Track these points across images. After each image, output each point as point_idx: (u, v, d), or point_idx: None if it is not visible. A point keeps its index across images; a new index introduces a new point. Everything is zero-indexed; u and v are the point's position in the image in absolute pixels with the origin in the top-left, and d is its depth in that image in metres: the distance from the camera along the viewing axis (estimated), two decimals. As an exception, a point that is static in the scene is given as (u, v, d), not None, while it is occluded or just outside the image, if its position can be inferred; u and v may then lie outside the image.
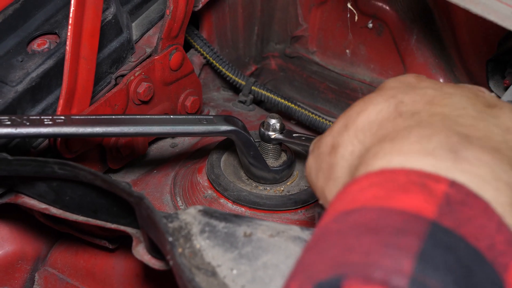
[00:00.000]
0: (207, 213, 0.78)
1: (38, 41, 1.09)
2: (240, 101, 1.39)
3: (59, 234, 1.14)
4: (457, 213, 0.56)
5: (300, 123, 1.37)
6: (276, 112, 1.37)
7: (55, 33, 1.10)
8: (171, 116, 1.03)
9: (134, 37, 1.18)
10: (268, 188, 1.12)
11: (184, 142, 1.29)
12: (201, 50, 1.35)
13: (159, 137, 1.25)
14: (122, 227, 0.89)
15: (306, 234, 0.76)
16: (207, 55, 1.35)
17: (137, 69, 1.14)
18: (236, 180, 1.12)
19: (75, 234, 1.06)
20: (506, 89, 1.08)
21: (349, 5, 1.36)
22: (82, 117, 0.94)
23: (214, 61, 1.36)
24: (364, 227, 0.56)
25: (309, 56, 1.49)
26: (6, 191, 0.99)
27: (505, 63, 1.08)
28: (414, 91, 0.70)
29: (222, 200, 1.10)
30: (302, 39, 1.49)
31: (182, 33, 1.17)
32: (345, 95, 1.45)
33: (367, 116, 0.70)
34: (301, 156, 1.16)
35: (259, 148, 1.11)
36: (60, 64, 1.05)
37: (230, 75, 1.37)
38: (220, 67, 1.37)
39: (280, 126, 1.11)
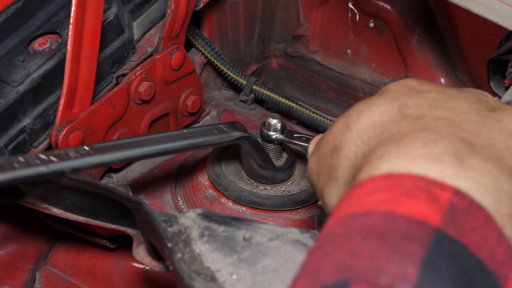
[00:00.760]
0: (206, 216, 0.78)
1: (40, 40, 1.09)
2: (241, 101, 1.39)
3: (60, 233, 1.14)
4: (460, 222, 0.56)
5: (301, 122, 1.37)
6: (277, 111, 1.37)
7: (57, 33, 1.10)
8: (184, 131, 1.03)
9: (135, 37, 1.18)
10: (268, 188, 1.12)
11: (185, 142, 1.29)
12: (202, 49, 1.35)
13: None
14: (122, 228, 0.89)
15: (305, 237, 0.76)
16: (208, 55, 1.35)
17: (138, 68, 1.14)
18: (237, 179, 1.13)
19: (76, 234, 1.06)
20: (507, 89, 1.07)
21: (350, 5, 1.36)
22: (104, 144, 0.93)
23: (215, 61, 1.36)
24: (370, 231, 0.56)
25: (310, 55, 1.49)
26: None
27: (506, 63, 1.08)
28: (417, 94, 0.70)
29: (223, 200, 1.11)
30: (304, 39, 1.48)
31: (183, 33, 1.17)
32: (346, 95, 1.45)
33: (370, 117, 0.70)
34: (302, 156, 1.16)
35: None
36: (61, 64, 1.05)
37: (231, 75, 1.37)
38: (221, 66, 1.37)
39: (281, 126, 1.11)
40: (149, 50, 1.18)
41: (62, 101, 1.02)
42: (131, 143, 0.96)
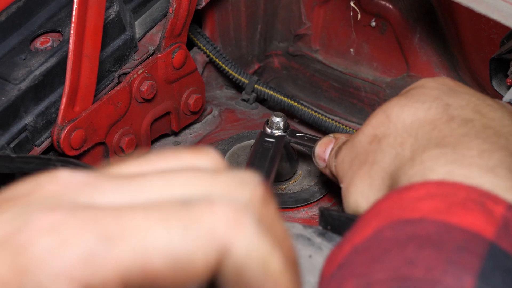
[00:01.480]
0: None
1: (41, 39, 1.09)
2: (243, 100, 1.39)
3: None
4: None
5: (303, 121, 1.37)
6: (279, 110, 1.37)
7: (58, 31, 1.10)
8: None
9: (137, 35, 1.18)
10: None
11: (187, 140, 1.29)
12: (204, 48, 1.35)
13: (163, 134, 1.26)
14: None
15: (308, 232, 0.76)
16: (210, 54, 1.35)
17: (140, 67, 1.14)
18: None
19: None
20: (509, 88, 1.07)
21: (352, 4, 1.36)
22: None
23: (217, 60, 1.36)
24: (424, 240, 0.55)
25: (312, 54, 1.49)
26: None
27: (508, 62, 1.08)
28: (457, 94, 0.70)
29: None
30: (305, 38, 1.48)
31: (185, 32, 1.17)
32: (348, 94, 1.45)
33: (414, 112, 0.69)
34: (305, 156, 1.16)
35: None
36: (63, 62, 1.05)
37: (233, 74, 1.37)
38: (223, 65, 1.37)
39: (284, 124, 1.11)
40: (151, 49, 1.18)
41: (64, 100, 1.02)
42: None
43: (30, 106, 1.04)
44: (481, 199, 0.58)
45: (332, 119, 1.32)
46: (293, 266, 0.44)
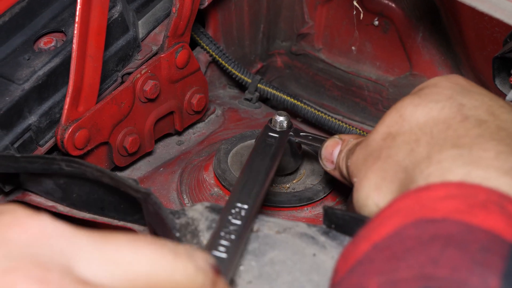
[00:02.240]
0: (214, 209, 0.79)
1: (45, 39, 1.09)
2: (246, 99, 1.39)
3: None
4: None
5: (306, 120, 1.37)
6: (282, 109, 1.37)
7: (62, 31, 1.10)
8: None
9: (140, 35, 1.18)
10: (273, 184, 1.12)
11: (190, 140, 1.29)
12: (207, 48, 1.35)
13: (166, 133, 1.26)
14: (129, 225, 0.90)
15: (312, 231, 0.77)
16: (213, 53, 1.36)
17: (143, 67, 1.14)
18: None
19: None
20: (511, 86, 1.07)
21: (355, 3, 1.36)
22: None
23: (220, 59, 1.36)
24: (448, 240, 0.56)
25: (315, 53, 1.49)
26: (13, 188, 0.99)
27: (511, 60, 1.08)
28: (470, 94, 0.70)
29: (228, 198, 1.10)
30: (308, 37, 1.49)
31: (188, 31, 1.17)
32: (351, 93, 1.45)
33: (428, 112, 0.70)
34: (309, 155, 1.16)
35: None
36: (66, 62, 1.05)
37: (236, 73, 1.37)
38: (226, 65, 1.37)
39: (288, 124, 1.10)
40: (154, 48, 1.18)
41: (67, 100, 1.02)
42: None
43: (34, 106, 1.04)
44: (500, 201, 0.58)
45: (335, 118, 1.32)
46: None
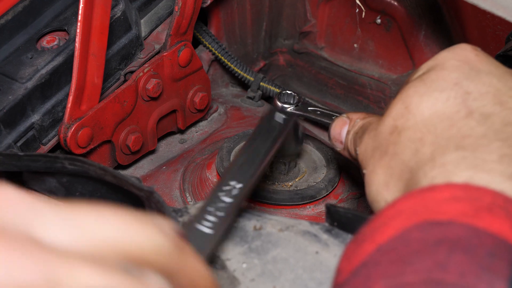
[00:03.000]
0: (216, 207, 0.79)
1: (48, 38, 1.09)
2: (249, 97, 1.39)
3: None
4: None
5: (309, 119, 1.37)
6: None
7: (65, 30, 1.11)
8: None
9: (143, 34, 1.18)
10: (276, 183, 1.12)
11: (193, 138, 1.29)
12: (210, 46, 1.35)
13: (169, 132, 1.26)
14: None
15: (315, 229, 0.77)
16: (216, 51, 1.36)
17: (146, 65, 1.14)
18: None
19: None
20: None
21: (357, 1, 1.36)
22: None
23: (222, 57, 1.36)
24: (455, 244, 0.55)
25: (317, 52, 1.49)
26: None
27: (514, 58, 1.08)
28: (479, 78, 0.68)
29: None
30: (311, 35, 1.49)
31: (190, 30, 1.17)
32: (353, 91, 1.45)
33: (432, 104, 0.69)
34: (310, 153, 1.16)
35: None
36: (69, 61, 1.05)
37: (239, 71, 1.38)
38: (229, 63, 1.37)
39: (296, 98, 1.07)
40: (157, 47, 1.18)
41: (70, 98, 1.02)
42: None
43: (37, 105, 1.04)
44: (505, 205, 0.58)
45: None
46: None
